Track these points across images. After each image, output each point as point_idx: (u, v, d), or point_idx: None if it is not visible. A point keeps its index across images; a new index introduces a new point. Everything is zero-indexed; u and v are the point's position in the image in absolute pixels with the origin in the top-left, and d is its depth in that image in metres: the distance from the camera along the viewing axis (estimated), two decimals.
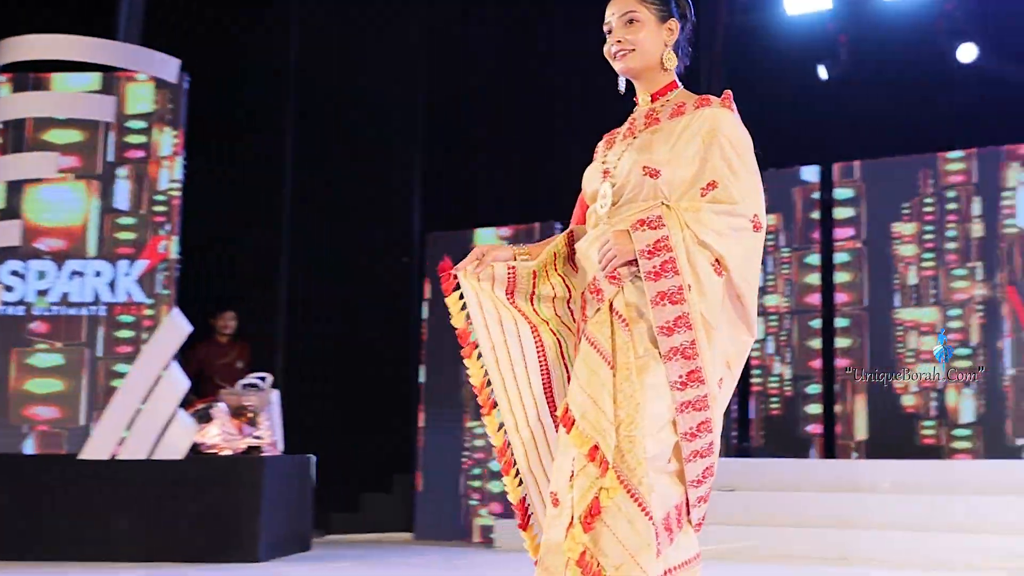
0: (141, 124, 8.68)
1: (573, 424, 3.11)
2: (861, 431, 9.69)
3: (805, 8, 11.01)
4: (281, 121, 11.02)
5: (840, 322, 9.92)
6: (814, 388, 9.92)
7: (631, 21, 3.32)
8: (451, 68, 11.12)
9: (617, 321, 3.18)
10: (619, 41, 3.34)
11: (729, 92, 3.32)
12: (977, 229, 9.41)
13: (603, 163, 3.38)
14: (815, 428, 9.88)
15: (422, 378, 10.07)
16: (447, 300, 3.41)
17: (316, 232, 10.92)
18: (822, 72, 10.77)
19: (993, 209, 9.38)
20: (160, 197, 8.59)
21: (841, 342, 9.89)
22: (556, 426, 3.29)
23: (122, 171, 8.64)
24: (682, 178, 3.20)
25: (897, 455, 9.14)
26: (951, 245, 9.53)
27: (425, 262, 10.22)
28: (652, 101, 3.39)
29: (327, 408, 10.44)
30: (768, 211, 9.71)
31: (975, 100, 10.27)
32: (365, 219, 10.94)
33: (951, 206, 9.57)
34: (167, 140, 8.65)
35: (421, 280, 10.33)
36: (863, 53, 10.63)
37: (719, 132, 3.19)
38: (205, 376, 9.65)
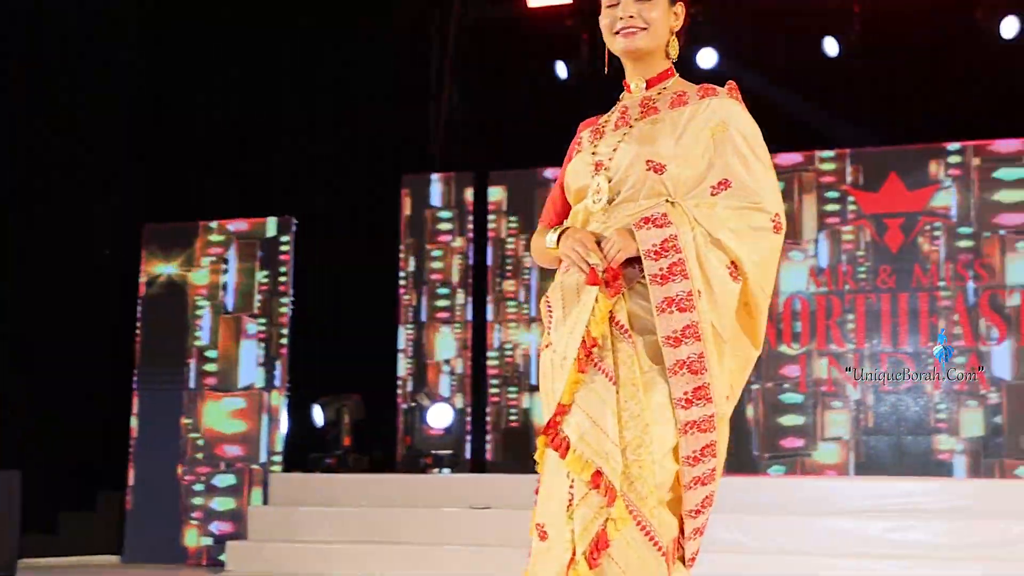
0: None
1: (568, 447, 2.80)
2: None
3: (546, 1, 10.52)
4: None
5: None
6: None
7: None
8: (171, 53, 10.13)
9: (618, 332, 2.85)
10: (630, 16, 3.02)
11: (734, 82, 3.06)
12: None
13: (593, 155, 3.03)
14: None
15: (135, 384, 9.12)
16: (606, 303, 2.89)
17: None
18: (560, 70, 10.36)
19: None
20: None
21: None
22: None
23: None
24: (689, 175, 2.93)
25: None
26: None
27: (141, 253, 9.26)
28: (647, 88, 3.08)
29: (25, 419, 9.27)
30: (511, 213, 9.32)
31: None
32: (66, 208, 9.78)
33: None
34: None
35: (136, 275, 9.32)
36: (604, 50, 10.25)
37: (730, 125, 2.95)
38: None
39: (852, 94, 9.33)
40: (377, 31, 10.03)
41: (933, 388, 8.75)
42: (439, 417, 9.19)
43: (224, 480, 8.77)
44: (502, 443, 9.59)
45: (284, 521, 8.17)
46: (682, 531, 2.88)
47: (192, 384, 8.92)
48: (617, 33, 3.05)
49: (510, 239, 9.77)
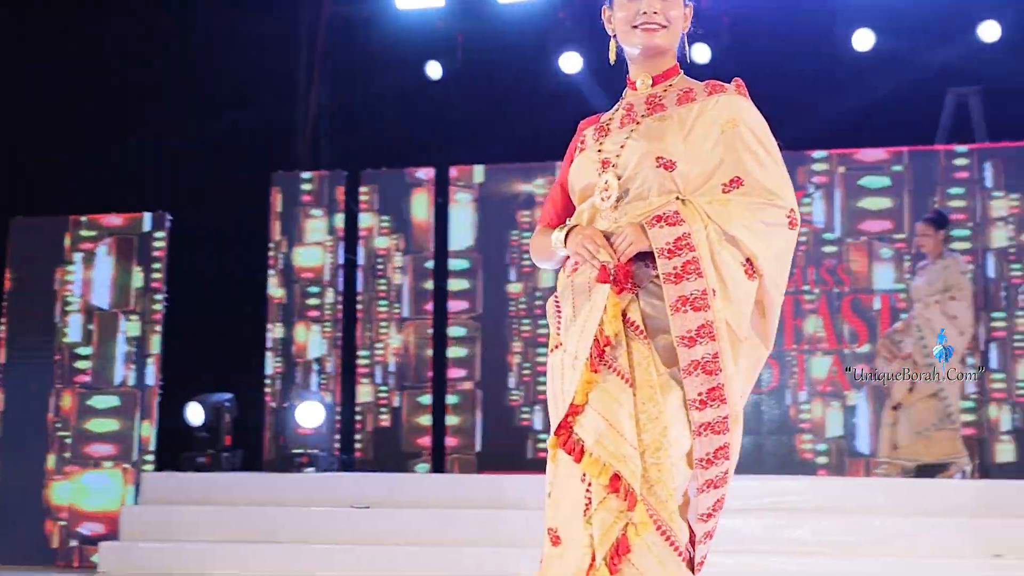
0: None
1: (582, 450, 2.76)
2: (476, 444, 9.48)
3: (416, 3, 10.54)
4: None
5: (455, 331, 9.65)
6: (425, 399, 9.60)
7: None
8: (40, 44, 9.90)
9: (633, 333, 2.81)
10: (655, 13, 2.99)
11: (740, 79, 3.04)
12: None
13: (599, 152, 2.99)
14: (425, 440, 9.56)
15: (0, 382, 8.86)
16: (617, 300, 2.87)
17: None
18: (433, 71, 10.39)
19: None
20: None
21: (456, 352, 9.62)
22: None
23: None
24: (699, 172, 2.89)
25: (511, 469, 8.97)
26: None
27: (6, 249, 9.01)
28: (653, 85, 3.06)
29: None
30: (383, 212, 9.31)
31: (584, 110, 10.20)
32: None
33: None
34: None
35: (1, 270, 9.08)
36: (479, 53, 10.32)
37: (740, 122, 2.91)
38: None
39: None
40: (249, 26, 9.94)
41: (797, 389, 9.06)
42: (309, 416, 9.15)
43: (95, 479, 8.59)
44: (373, 442, 9.61)
45: (157, 521, 8.03)
46: (692, 535, 2.85)
47: (61, 382, 8.72)
48: (636, 27, 3.02)
49: (381, 237, 9.78)
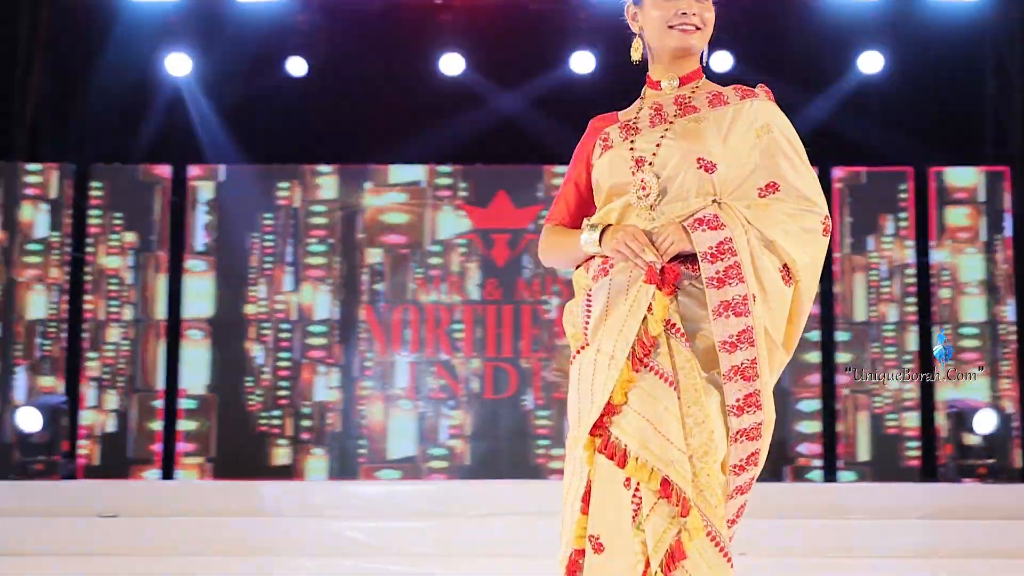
0: None
1: (625, 455, 2.75)
2: (212, 449, 9.22)
3: None
4: None
5: (191, 333, 9.37)
6: (158, 403, 9.28)
7: None
8: None
9: (675, 336, 2.80)
10: (695, 14, 2.97)
11: (765, 85, 3.05)
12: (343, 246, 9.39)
13: (631, 151, 2.94)
14: (156, 447, 9.24)
15: None
16: (664, 301, 2.85)
17: None
18: (174, 66, 9.91)
19: (352, 228, 9.39)
20: None
21: (192, 355, 9.34)
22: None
23: None
24: (735, 176, 2.91)
25: (250, 475, 8.80)
26: (315, 260, 9.38)
27: None
28: (680, 86, 3.03)
29: None
30: (114, 209, 8.95)
31: (318, 116, 10.05)
32: None
33: (318, 220, 9.43)
34: None
35: None
36: (221, 50, 9.99)
37: (774, 127, 2.94)
38: None
39: (469, 111, 9.68)
40: None
41: (534, 397, 9.24)
42: (30, 420, 8.70)
43: None
44: (100, 447, 9.20)
45: None
46: None
47: None
48: (673, 28, 2.99)
49: (114, 235, 9.40)
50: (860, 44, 9.57)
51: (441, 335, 9.31)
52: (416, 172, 9.47)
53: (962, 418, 8.32)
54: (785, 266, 2.84)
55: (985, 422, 8.23)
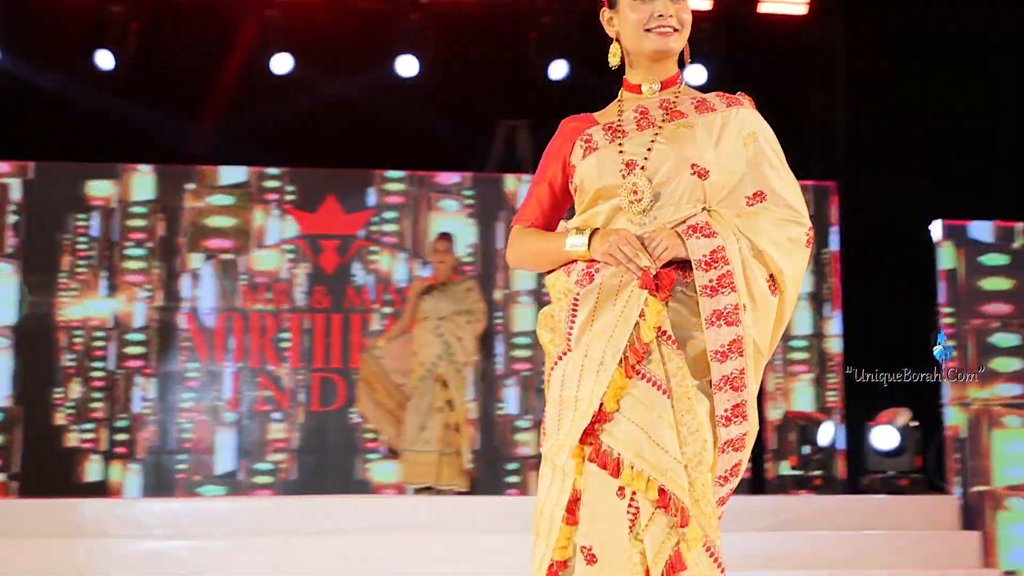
0: None
1: (618, 464, 2.71)
2: (15, 465, 8.67)
3: None
4: None
5: None
6: None
7: None
8: None
9: (666, 343, 2.78)
10: (671, 16, 2.93)
11: (745, 92, 3.05)
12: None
13: (620, 153, 2.88)
14: None
15: None
16: (657, 307, 2.79)
17: None
18: None
19: (174, 231, 8.99)
20: None
21: None
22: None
23: None
24: (725, 183, 2.88)
25: (56, 493, 8.27)
26: (132, 264, 8.95)
27: None
28: (661, 90, 3.01)
29: None
30: None
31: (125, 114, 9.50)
32: None
33: (136, 223, 8.99)
34: None
35: None
36: (40, 42, 9.40)
37: (760, 136, 2.94)
38: None
39: (298, 112, 9.30)
40: None
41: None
42: None
43: None
44: None
45: None
46: None
47: None
48: (650, 30, 2.94)
49: None
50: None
51: (267, 344, 8.98)
52: (241, 174, 9.10)
53: (804, 431, 8.33)
54: (772, 276, 2.85)
55: (826, 434, 8.28)
